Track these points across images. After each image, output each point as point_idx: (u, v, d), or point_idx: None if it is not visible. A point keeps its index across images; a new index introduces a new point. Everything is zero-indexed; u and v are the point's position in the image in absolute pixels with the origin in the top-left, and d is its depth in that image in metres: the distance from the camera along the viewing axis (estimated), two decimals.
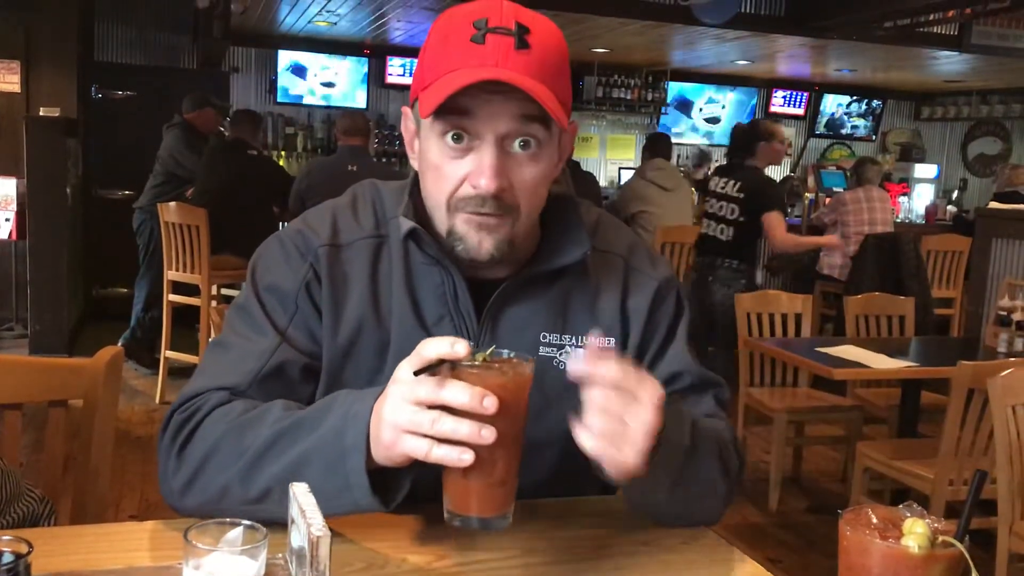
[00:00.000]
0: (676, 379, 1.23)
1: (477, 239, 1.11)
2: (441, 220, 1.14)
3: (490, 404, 0.90)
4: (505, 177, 1.08)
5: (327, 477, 0.99)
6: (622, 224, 1.35)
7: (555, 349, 1.20)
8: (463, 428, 0.90)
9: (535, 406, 1.19)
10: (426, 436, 0.92)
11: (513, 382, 0.95)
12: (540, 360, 1.19)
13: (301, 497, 0.94)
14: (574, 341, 1.21)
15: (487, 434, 0.90)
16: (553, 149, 1.12)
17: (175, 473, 1.10)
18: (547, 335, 1.20)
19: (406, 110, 1.18)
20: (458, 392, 0.91)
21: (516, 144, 1.08)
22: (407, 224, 1.17)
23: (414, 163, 1.19)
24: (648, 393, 0.96)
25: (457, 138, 1.07)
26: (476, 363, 0.95)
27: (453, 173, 1.09)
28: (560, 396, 1.19)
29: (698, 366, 1.25)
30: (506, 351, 0.99)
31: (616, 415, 0.95)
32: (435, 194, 1.13)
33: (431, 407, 0.92)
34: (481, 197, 1.08)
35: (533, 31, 1.06)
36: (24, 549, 0.82)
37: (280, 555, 0.99)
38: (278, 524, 0.96)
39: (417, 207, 1.20)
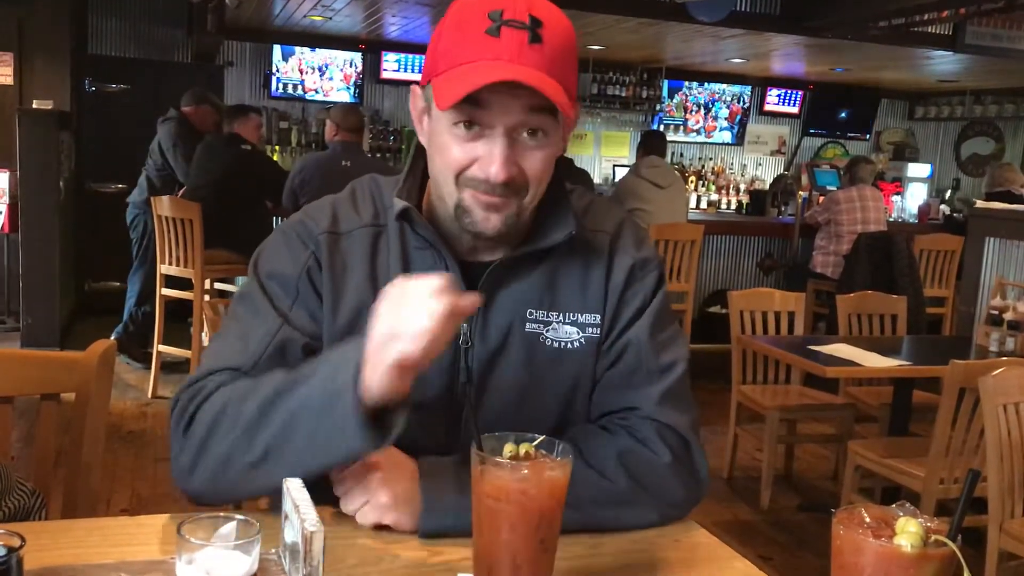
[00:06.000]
0: (625, 352, 1.24)
1: (484, 215, 1.15)
2: (450, 194, 1.17)
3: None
4: (514, 165, 1.12)
5: (320, 424, 1.02)
6: (614, 206, 1.39)
7: (541, 326, 1.23)
8: None
9: (522, 384, 1.22)
10: None
11: (538, 487, 0.93)
12: (526, 336, 1.22)
13: (295, 492, 0.94)
14: (561, 318, 1.24)
15: None
16: (559, 133, 1.16)
17: (182, 452, 1.13)
18: (533, 312, 1.23)
19: (415, 88, 1.21)
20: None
21: (525, 133, 1.12)
22: (400, 204, 1.21)
23: (422, 139, 1.22)
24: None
25: (469, 126, 1.11)
26: (517, 458, 0.94)
27: (463, 155, 1.13)
28: (547, 373, 1.23)
29: (653, 349, 1.24)
30: (558, 443, 0.97)
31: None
32: (443, 170, 1.16)
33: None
34: (490, 183, 1.12)
35: (546, 24, 1.09)
36: (16, 543, 0.82)
37: (273, 550, 0.99)
38: (273, 515, 0.96)
39: (413, 190, 1.24)
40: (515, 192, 1.14)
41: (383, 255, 1.23)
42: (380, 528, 1.10)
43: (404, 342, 0.96)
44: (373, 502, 1.09)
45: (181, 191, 5.34)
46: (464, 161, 1.13)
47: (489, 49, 1.07)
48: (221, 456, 1.09)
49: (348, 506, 1.11)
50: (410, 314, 0.96)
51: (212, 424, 1.10)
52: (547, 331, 1.23)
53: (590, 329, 1.24)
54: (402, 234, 1.23)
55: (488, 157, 1.11)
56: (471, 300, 0.98)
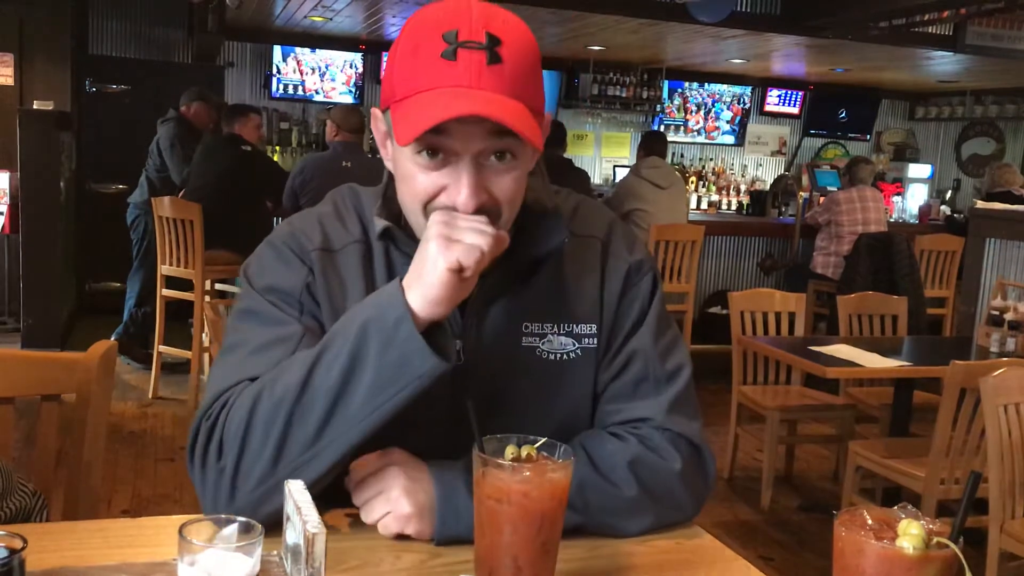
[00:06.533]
0: (631, 362, 1.22)
1: None
2: (417, 224, 1.12)
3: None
4: (483, 191, 1.06)
5: (383, 359, 1.02)
6: (602, 207, 1.35)
7: (537, 339, 1.20)
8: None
9: (521, 398, 1.20)
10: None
11: (540, 488, 0.93)
12: (523, 351, 1.19)
13: (296, 494, 0.94)
14: (556, 329, 1.21)
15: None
16: (528, 151, 1.11)
17: (219, 475, 1.06)
18: (528, 325, 1.20)
19: (376, 112, 1.16)
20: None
21: (492, 156, 1.07)
22: (381, 224, 1.17)
23: (387, 163, 1.18)
24: None
25: (432, 154, 1.06)
26: (518, 460, 0.95)
27: (428, 184, 1.08)
28: (546, 386, 1.21)
29: (658, 356, 1.23)
30: (559, 445, 0.98)
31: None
32: (409, 201, 1.12)
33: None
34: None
35: (504, 41, 1.03)
36: (19, 544, 0.82)
37: (275, 552, 0.99)
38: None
39: (392, 207, 1.19)
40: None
41: (374, 270, 1.20)
42: (400, 538, 1.08)
43: (459, 248, 1.01)
44: (395, 512, 1.07)
45: (182, 192, 5.34)
46: (431, 190, 1.07)
47: (446, 75, 1.02)
48: (272, 444, 1.04)
49: (369, 516, 1.09)
50: (465, 230, 1.02)
51: (248, 418, 1.05)
52: (543, 343, 1.20)
53: (587, 340, 1.21)
54: (387, 249, 1.20)
55: (456, 186, 1.05)
56: (505, 236, 1.07)
